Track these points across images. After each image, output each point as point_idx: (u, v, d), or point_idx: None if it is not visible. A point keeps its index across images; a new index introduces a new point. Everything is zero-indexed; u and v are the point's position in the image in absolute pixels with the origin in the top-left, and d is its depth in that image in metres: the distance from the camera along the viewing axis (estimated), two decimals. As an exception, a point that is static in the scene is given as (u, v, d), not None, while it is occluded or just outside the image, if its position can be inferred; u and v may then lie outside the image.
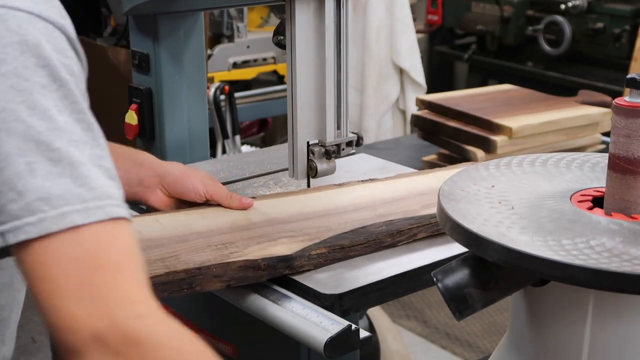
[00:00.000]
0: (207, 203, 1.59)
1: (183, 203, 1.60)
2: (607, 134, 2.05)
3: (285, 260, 1.39)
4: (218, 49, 3.67)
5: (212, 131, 3.26)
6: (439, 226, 1.40)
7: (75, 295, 0.87)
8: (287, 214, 1.54)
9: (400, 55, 3.92)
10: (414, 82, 3.96)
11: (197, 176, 1.60)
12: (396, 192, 1.64)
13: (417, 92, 3.89)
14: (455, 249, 1.35)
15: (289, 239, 1.44)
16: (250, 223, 1.51)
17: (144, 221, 1.49)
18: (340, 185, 1.71)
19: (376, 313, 3.05)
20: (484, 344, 3.60)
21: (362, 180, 1.74)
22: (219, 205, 1.58)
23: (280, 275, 1.40)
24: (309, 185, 1.76)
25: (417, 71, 3.95)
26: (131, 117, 1.99)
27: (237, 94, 3.52)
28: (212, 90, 3.32)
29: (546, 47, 4.77)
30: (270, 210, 1.56)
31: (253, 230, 1.48)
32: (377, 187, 1.68)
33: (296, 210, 1.55)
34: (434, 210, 1.45)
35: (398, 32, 3.89)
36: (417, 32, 4.26)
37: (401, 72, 3.97)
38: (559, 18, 4.66)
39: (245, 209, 1.57)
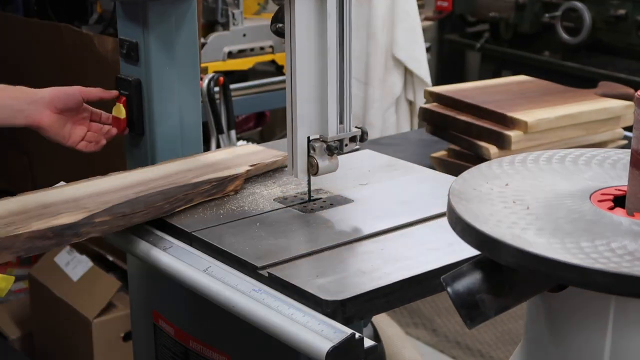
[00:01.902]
0: None
1: (67, 122, 1.93)
2: (629, 129, 2.05)
3: (71, 227, 1.58)
4: (212, 37, 3.67)
5: (205, 125, 3.25)
6: (214, 190, 1.77)
7: None
8: (60, 198, 1.70)
9: (402, 48, 3.91)
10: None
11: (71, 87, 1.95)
12: (162, 172, 1.84)
13: (423, 85, 3.89)
14: (467, 251, 1.36)
15: (68, 214, 1.61)
16: (27, 209, 1.65)
17: None
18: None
19: (386, 322, 3.06)
20: (497, 353, 3.60)
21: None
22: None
23: (69, 243, 1.64)
24: (309, 185, 1.77)
25: (419, 63, 3.94)
26: (119, 111, 1.99)
27: (232, 86, 3.51)
28: (206, 81, 3.31)
29: (564, 36, 4.77)
30: (43, 198, 1.71)
31: (30, 213, 1.63)
32: (150, 171, 1.87)
33: (69, 195, 1.72)
34: (203, 178, 1.76)
35: (400, 20, 3.89)
36: (426, 19, 4.27)
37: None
38: (578, 4, 4.66)
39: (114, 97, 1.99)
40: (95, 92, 1.98)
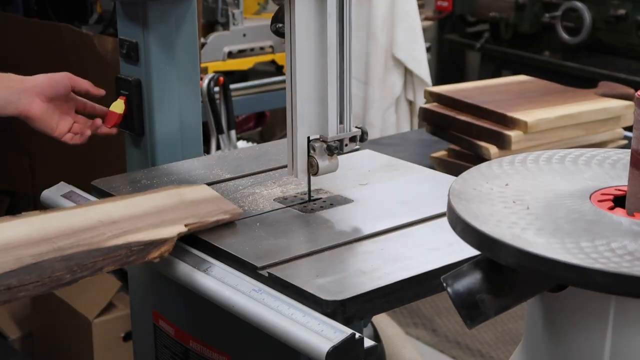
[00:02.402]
0: None
1: (55, 111, 1.91)
2: (629, 129, 2.05)
3: None
4: (212, 37, 3.67)
5: (205, 126, 3.25)
6: (132, 257, 1.44)
7: None
8: None
9: (402, 48, 3.92)
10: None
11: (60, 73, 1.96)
12: (81, 222, 1.52)
13: (423, 85, 3.90)
14: (467, 251, 1.36)
15: None
16: None
17: None
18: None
19: (386, 322, 3.06)
20: (497, 353, 3.60)
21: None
22: None
23: None
24: (309, 185, 1.76)
25: (419, 63, 3.94)
26: (117, 106, 1.98)
27: (232, 86, 3.52)
28: (206, 81, 3.32)
29: (564, 36, 4.77)
30: None
31: None
32: (60, 217, 1.54)
33: None
34: (122, 240, 1.45)
35: (400, 20, 3.89)
36: (426, 19, 4.27)
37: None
38: (578, 4, 4.66)
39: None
40: (84, 83, 1.97)
